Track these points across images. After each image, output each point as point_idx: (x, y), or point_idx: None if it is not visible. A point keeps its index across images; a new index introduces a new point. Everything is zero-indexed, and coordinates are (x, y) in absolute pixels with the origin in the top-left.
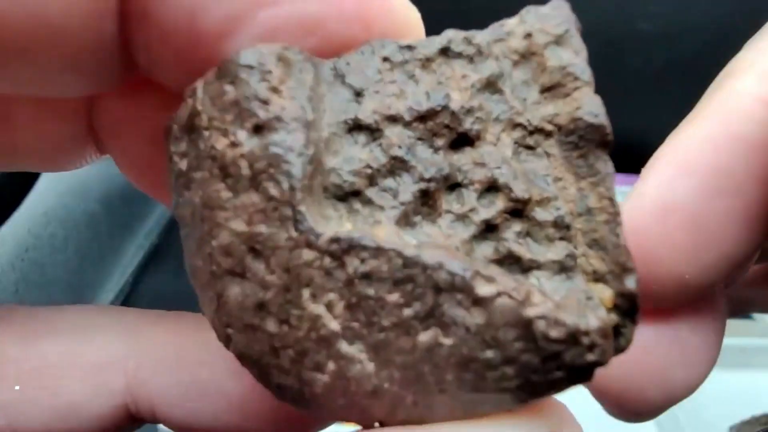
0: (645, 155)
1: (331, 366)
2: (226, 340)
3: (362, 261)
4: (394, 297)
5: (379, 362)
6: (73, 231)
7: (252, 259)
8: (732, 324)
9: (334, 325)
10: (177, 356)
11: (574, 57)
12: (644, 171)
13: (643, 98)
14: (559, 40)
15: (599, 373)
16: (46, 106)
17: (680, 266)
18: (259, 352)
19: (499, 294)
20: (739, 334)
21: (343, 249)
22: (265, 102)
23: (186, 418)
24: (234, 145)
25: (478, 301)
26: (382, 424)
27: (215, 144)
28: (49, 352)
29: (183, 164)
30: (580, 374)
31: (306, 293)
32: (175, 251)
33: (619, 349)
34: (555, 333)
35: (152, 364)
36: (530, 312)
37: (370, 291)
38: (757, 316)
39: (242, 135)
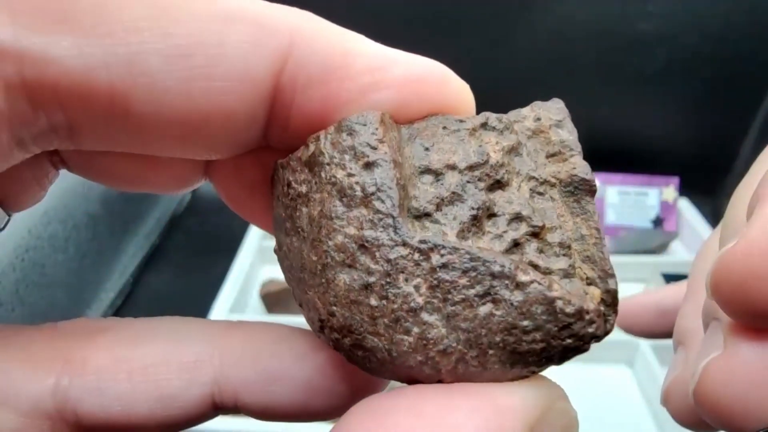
0: (645, 155)
1: (416, 330)
2: (328, 316)
3: (441, 255)
4: (463, 281)
5: (449, 328)
6: (73, 231)
7: (361, 254)
8: None
9: (420, 300)
10: (253, 353)
11: (569, 135)
12: (763, 191)
13: (643, 98)
14: (559, 124)
15: (716, 390)
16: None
17: None
18: (360, 322)
19: (532, 281)
20: None
21: (429, 247)
22: (374, 148)
23: (264, 402)
24: (350, 175)
25: (519, 285)
26: (441, 382)
27: (335, 174)
28: (152, 353)
29: (303, 188)
30: (583, 342)
31: (401, 277)
32: (175, 251)
33: (606, 332)
34: (569, 309)
35: (233, 361)
36: (553, 294)
37: (447, 276)
38: None
39: (356, 168)
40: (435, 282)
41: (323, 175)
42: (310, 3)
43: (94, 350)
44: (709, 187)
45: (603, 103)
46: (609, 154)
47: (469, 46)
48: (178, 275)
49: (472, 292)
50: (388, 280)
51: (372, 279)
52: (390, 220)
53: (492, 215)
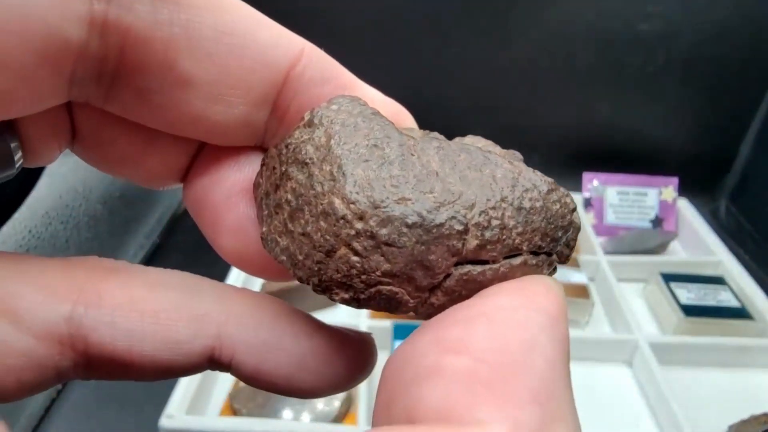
0: (644, 155)
1: (438, 187)
2: (349, 205)
3: (440, 142)
4: (462, 156)
5: (465, 185)
6: (74, 231)
7: (374, 151)
8: (732, 324)
9: (435, 166)
10: (256, 320)
11: (493, 147)
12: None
13: (642, 98)
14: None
15: None
16: (174, 146)
17: None
18: (384, 194)
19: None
20: (738, 334)
21: (430, 138)
22: (363, 104)
23: (255, 367)
24: (351, 116)
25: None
26: (465, 246)
27: (339, 116)
28: (165, 300)
29: (305, 136)
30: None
31: (414, 154)
32: (175, 251)
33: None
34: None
35: (236, 323)
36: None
37: (450, 153)
38: (757, 315)
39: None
40: (443, 156)
41: (324, 122)
42: (317, 1)
43: (109, 286)
44: (708, 187)
45: (603, 103)
46: (608, 154)
47: (469, 46)
48: None
49: (474, 163)
50: (403, 157)
51: (391, 158)
52: (392, 130)
53: None
